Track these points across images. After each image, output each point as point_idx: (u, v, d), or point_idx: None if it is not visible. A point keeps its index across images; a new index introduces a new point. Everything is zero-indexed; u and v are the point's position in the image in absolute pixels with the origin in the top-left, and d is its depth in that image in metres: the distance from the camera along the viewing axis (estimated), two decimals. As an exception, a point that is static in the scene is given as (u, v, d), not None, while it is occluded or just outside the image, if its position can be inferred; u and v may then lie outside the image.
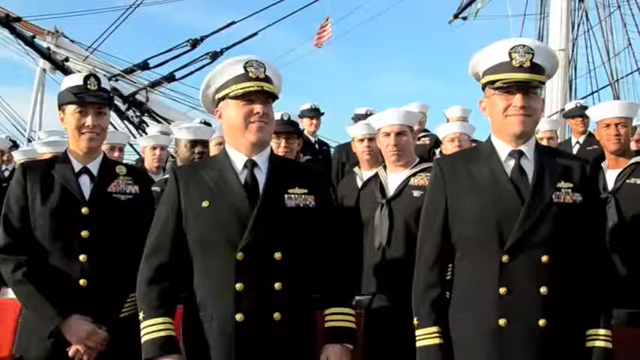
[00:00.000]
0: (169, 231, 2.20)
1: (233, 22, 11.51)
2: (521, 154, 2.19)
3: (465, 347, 2.15)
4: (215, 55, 11.57)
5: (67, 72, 11.32)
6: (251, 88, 2.17)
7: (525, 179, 2.16)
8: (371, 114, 5.20)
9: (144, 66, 11.89)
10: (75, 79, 2.57)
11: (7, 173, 5.86)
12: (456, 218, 2.19)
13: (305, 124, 6.22)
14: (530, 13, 13.66)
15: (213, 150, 4.32)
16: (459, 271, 2.22)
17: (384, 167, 3.46)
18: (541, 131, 4.70)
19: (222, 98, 2.24)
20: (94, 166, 2.61)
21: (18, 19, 11.51)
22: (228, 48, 11.47)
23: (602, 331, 2.12)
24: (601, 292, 2.16)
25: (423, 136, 5.90)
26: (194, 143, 3.89)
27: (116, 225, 2.54)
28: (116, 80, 11.77)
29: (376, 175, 3.48)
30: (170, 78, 11.94)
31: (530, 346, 2.06)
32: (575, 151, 5.56)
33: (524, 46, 2.12)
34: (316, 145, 6.35)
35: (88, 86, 2.52)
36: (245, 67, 2.19)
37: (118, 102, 11.81)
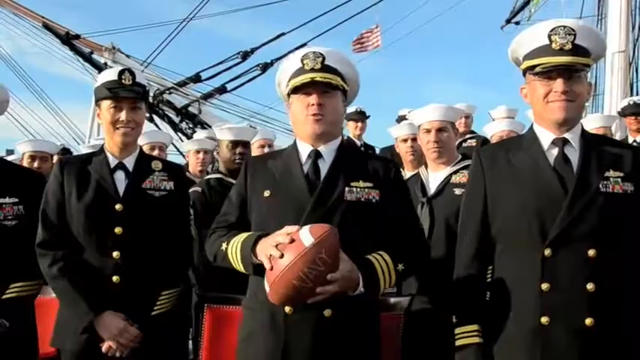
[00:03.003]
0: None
1: (283, 34, 11.71)
2: (565, 141, 2.07)
3: (506, 347, 2.03)
4: (265, 67, 11.80)
5: (123, 87, 11.71)
6: (303, 81, 2.17)
7: (570, 168, 2.03)
8: (414, 115, 5.10)
9: (196, 79, 12.25)
10: (110, 74, 2.56)
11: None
12: (496, 209, 2.09)
13: (350, 127, 6.20)
14: (586, 15, 13.25)
15: (255, 152, 4.33)
16: (499, 266, 2.12)
17: (426, 166, 3.37)
18: (593, 128, 4.49)
19: (289, 94, 2.26)
20: (129, 162, 2.60)
21: (77, 37, 12.06)
22: (277, 59, 11.64)
23: None
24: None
25: (470, 138, 5.78)
26: (235, 144, 3.87)
27: (150, 222, 2.53)
28: (170, 93, 12.11)
29: (417, 174, 3.40)
30: (222, 90, 12.26)
31: (575, 346, 1.93)
32: (632, 149, 5.31)
33: (564, 27, 2.00)
34: (362, 149, 6.29)
35: (123, 81, 2.52)
36: (302, 60, 2.20)
37: (171, 114, 12.17)
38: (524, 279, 2.00)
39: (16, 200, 2.67)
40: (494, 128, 4.56)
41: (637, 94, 12.35)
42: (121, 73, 2.53)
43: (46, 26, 12.10)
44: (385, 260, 2.09)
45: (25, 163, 4.60)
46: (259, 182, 2.25)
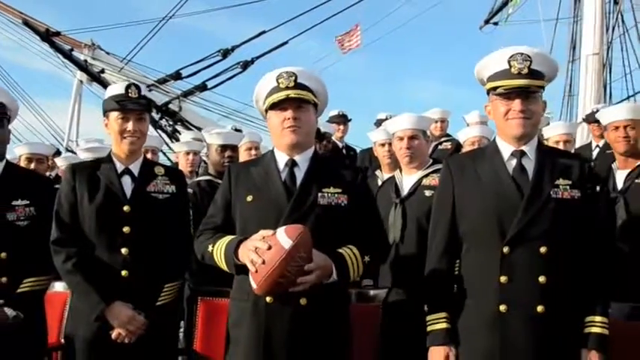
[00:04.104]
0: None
1: (263, 32, 11.71)
2: (522, 153, 2.34)
3: (469, 332, 2.31)
4: (246, 65, 11.80)
5: (103, 83, 11.71)
6: (279, 98, 2.42)
7: (526, 177, 2.31)
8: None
9: (176, 76, 12.18)
10: (118, 88, 2.83)
11: (51, 179, 6.17)
12: (462, 213, 2.37)
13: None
14: (563, 17, 13.51)
15: (243, 155, 4.58)
16: (464, 262, 2.39)
17: (400, 169, 3.66)
18: (557, 134, 4.75)
19: (267, 110, 2.51)
20: (135, 167, 2.86)
21: (57, 34, 11.96)
22: (258, 57, 11.74)
23: (598, 318, 2.25)
24: (598, 282, 2.28)
25: (445, 141, 6.07)
26: (224, 148, 4.15)
27: (154, 221, 2.79)
28: (150, 90, 12.08)
29: (392, 177, 3.68)
30: (202, 87, 12.19)
31: (529, 331, 2.21)
32: (594, 154, 5.63)
33: (522, 54, 2.28)
34: (344, 151, 6.51)
35: (130, 94, 2.79)
36: (277, 79, 2.45)
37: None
38: (486, 273, 2.28)
39: (27, 202, 2.87)
40: (466, 134, 4.84)
41: (610, 96, 12.64)
42: (127, 87, 2.80)
43: (26, 23, 12.01)
44: (354, 252, 2.37)
45: (22, 165, 4.76)
46: (242, 188, 2.49)
